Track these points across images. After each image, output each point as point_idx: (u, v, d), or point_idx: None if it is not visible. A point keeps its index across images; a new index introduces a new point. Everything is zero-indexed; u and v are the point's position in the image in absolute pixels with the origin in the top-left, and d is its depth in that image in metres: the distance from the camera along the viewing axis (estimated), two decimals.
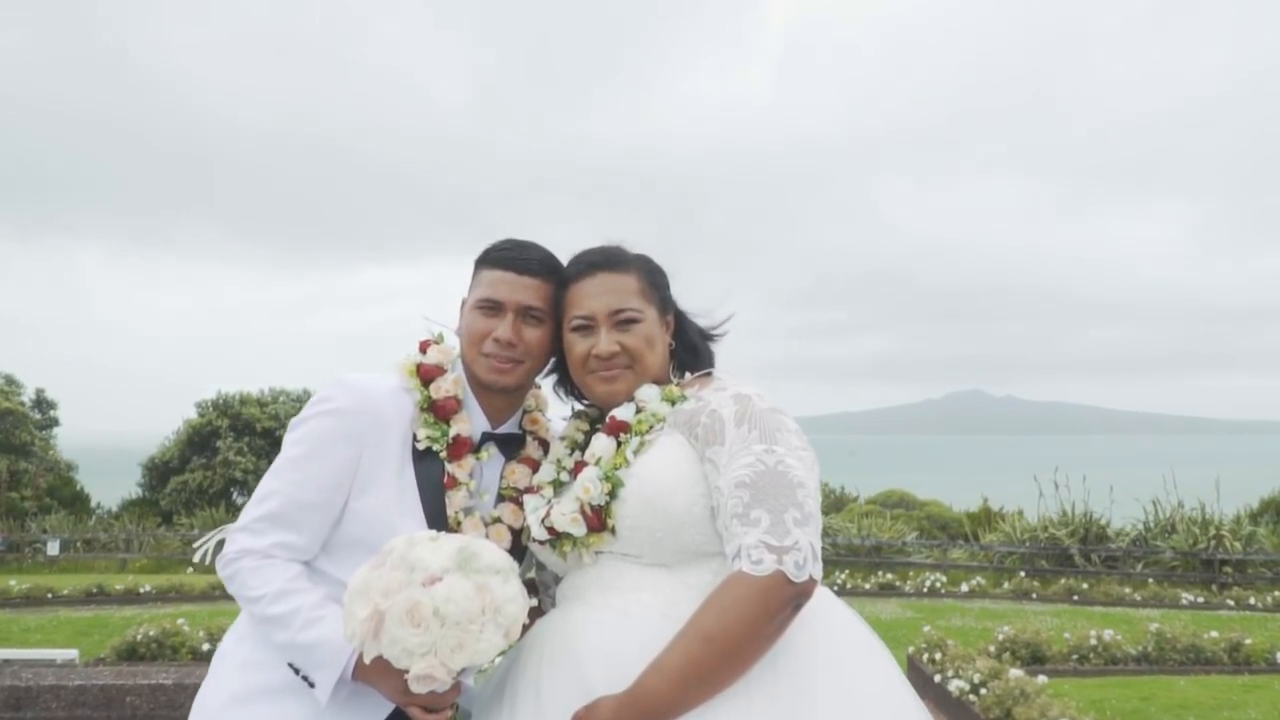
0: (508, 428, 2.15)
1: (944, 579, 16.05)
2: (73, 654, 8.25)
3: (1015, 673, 6.83)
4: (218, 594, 13.59)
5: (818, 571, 1.72)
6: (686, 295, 2.15)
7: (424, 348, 2.12)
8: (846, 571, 16.87)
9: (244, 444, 28.16)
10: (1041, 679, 6.69)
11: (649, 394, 1.98)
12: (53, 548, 19.91)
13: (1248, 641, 9.27)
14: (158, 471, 28.70)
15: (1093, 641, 9.14)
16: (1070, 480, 18.53)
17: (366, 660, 1.74)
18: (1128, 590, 15.04)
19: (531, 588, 2.15)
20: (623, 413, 1.97)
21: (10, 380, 28.82)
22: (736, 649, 1.68)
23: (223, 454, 27.80)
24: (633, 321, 1.99)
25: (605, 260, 2.03)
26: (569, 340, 2.03)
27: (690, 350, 2.12)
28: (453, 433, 2.03)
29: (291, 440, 2.00)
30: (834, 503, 24.48)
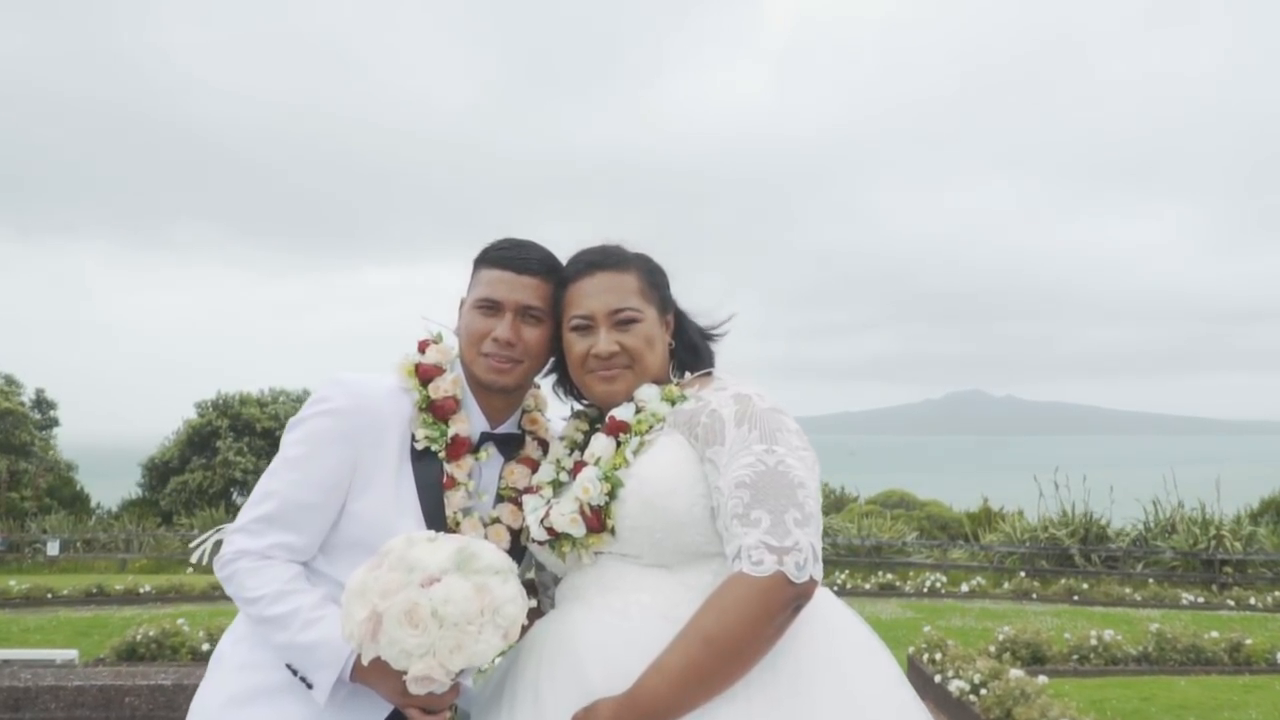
0: (507, 428, 2.14)
1: (944, 579, 16.05)
2: (72, 654, 8.24)
3: (1015, 673, 6.82)
4: (218, 594, 13.58)
5: (818, 572, 1.72)
6: (686, 295, 2.15)
7: (422, 347, 2.11)
8: (846, 572, 16.87)
9: (244, 444, 28.16)
10: (1042, 679, 6.69)
11: (649, 394, 1.97)
12: (52, 548, 19.90)
13: (1248, 642, 9.26)
14: (158, 472, 28.71)
15: (1093, 642, 9.14)
16: (1070, 480, 18.52)
17: (365, 661, 1.74)
18: (1128, 590, 15.03)
19: (531, 588, 2.14)
20: (622, 413, 1.96)
21: (10, 380, 28.82)
22: (736, 650, 1.67)
23: (223, 454, 27.80)
24: (632, 321, 1.98)
25: (605, 259, 2.02)
26: (568, 340, 2.02)
27: (690, 350, 2.11)
28: (451, 433, 2.03)
29: (289, 440, 1.99)
30: (834, 503, 24.47)
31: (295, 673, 1.88)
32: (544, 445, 2.17)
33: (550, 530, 1.92)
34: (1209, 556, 16.40)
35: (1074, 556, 17.31)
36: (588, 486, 1.89)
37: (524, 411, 2.19)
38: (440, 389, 2.03)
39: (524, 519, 2.02)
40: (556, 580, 2.06)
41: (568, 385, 2.17)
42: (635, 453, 1.90)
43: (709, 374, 2.05)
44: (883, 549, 18.73)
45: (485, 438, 2.09)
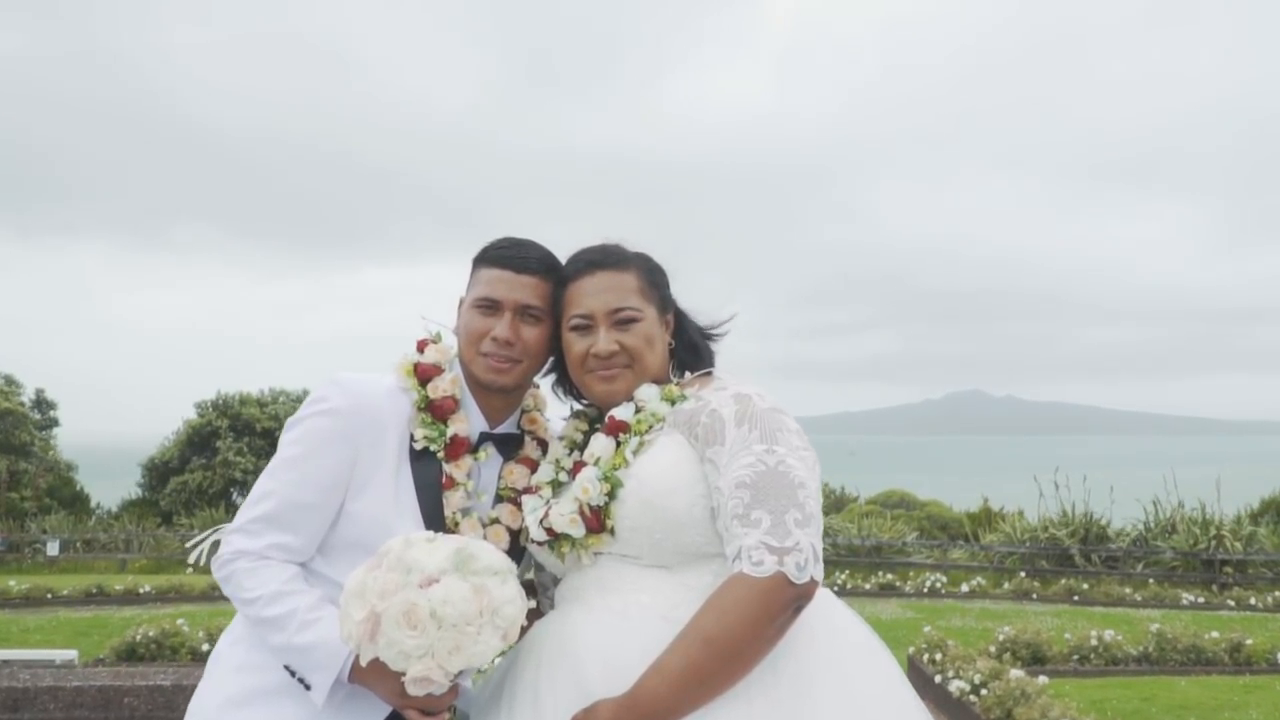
0: (506, 428, 2.13)
1: (944, 579, 16.05)
2: (72, 654, 8.24)
3: (1016, 673, 6.82)
4: (217, 594, 13.57)
5: (819, 573, 1.71)
6: (686, 295, 2.14)
7: (421, 347, 2.10)
8: (847, 572, 16.86)
9: (244, 444, 28.16)
10: (1042, 679, 6.69)
11: (648, 393, 1.96)
12: (52, 548, 19.91)
13: (1249, 642, 9.26)
14: (157, 472, 28.71)
15: (1093, 642, 9.13)
16: (1070, 480, 18.52)
17: (363, 662, 1.73)
18: (1128, 590, 15.03)
19: (530, 589, 2.13)
20: (622, 412, 1.95)
21: (10, 380, 28.82)
22: (737, 651, 1.66)
23: (222, 454, 27.80)
24: (632, 320, 1.97)
25: (604, 258, 2.01)
26: (567, 339, 2.01)
27: (690, 349, 2.10)
28: (450, 433, 2.01)
29: (287, 440, 1.98)
30: (834, 503, 24.47)
31: (293, 674, 1.87)
32: (543, 445, 2.16)
33: (549, 531, 1.91)
34: (1209, 556, 16.39)
35: (1074, 556, 17.31)
36: (587, 487, 1.88)
37: (523, 411, 2.17)
38: (439, 389, 2.02)
39: (523, 519, 2.01)
40: (556, 581, 2.05)
41: (567, 385, 2.16)
42: (635, 453, 1.89)
43: (709, 374, 2.04)
44: (883, 549, 18.73)
45: (484, 438, 2.08)
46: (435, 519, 1.98)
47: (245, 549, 1.92)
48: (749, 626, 1.65)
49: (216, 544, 2.02)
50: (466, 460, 2.03)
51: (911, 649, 8.52)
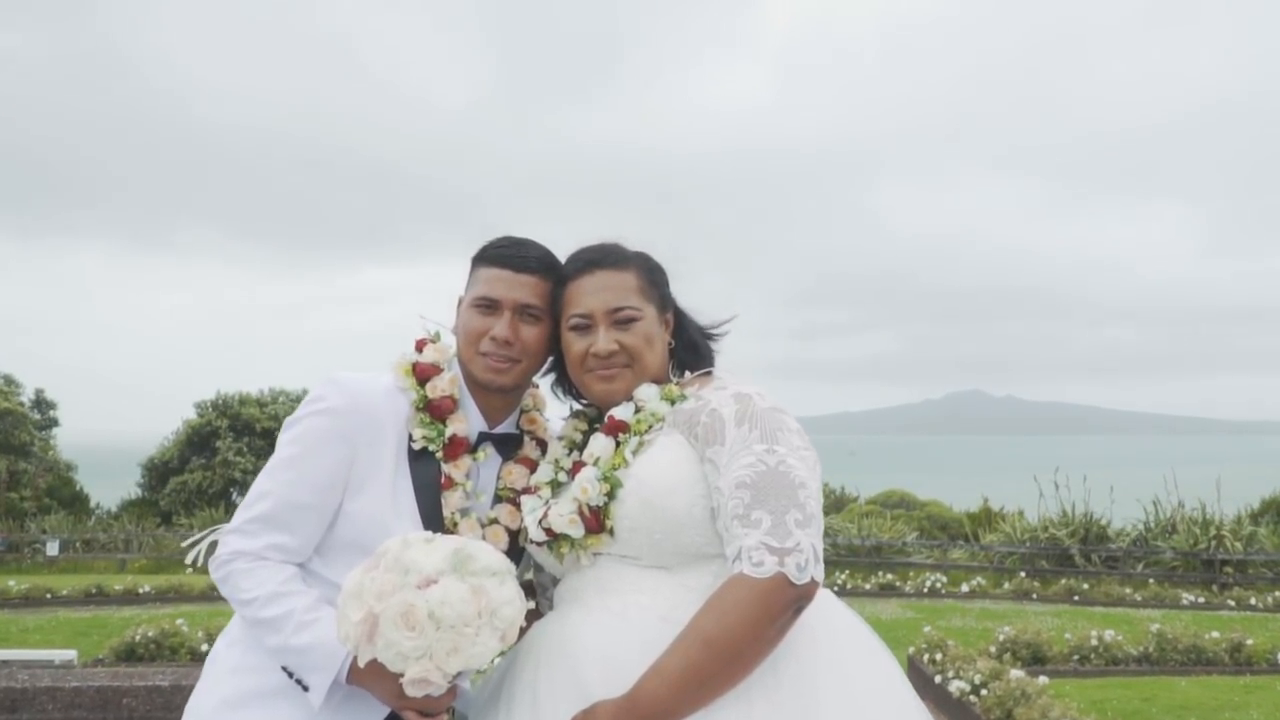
0: (505, 428, 2.12)
1: (944, 579, 16.04)
2: (71, 654, 8.23)
3: (1016, 673, 6.81)
4: (217, 595, 13.54)
5: (819, 574, 1.70)
6: (686, 295, 2.13)
7: (420, 346, 2.09)
8: (847, 572, 16.86)
9: (243, 444, 28.16)
10: (1042, 680, 6.68)
11: (648, 393, 1.95)
12: (52, 548, 19.91)
13: (1249, 642, 9.25)
14: (157, 472, 28.71)
15: (1094, 642, 9.13)
16: (1070, 480, 18.51)
17: (360, 664, 1.72)
18: (1128, 591, 15.02)
19: (529, 590, 2.12)
20: (621, 412, 1.94)
21: (10, 380, 28.82)
22: (737, 652, 1.65)
23: (222, 454, 27.80)
24: (632, 320, 1.96)
25: (604, 257, 1.99)
26: (567, 339, 2.00)
27: (690, 349, 2.09)
28: (449, 433, 2.00)
29: (285, 440, 1.97)
30: (834, 503, 24.46)
31: (290, 675, 1.86)
32: (542, 445, 2.14)
33: (548, 531, 1.90)
34: (1209, 557, 16.39)
35: (1074, 557, 17.30)
36: (586, 487, 1.87)
37: (522, 411, 2.16)
38: (437, 388, 2.01)
39: (522, 520, 2.00)
40: (555, 582, 2.04)
41: (566, 385, 2.14)
42: (634, 453, 1.88)
43: (709, 373, 2.03)
44: (883, 549, 18.72)
45: (483, 438, 2.07)
46: (433, 519, 1.96)
47: (242, 549, 1.91)
48: (749, 628, 1.64)
49: (214, 544, 2.01)
50: (465, 460, 2.02)
51: (911, 649, 8.52)
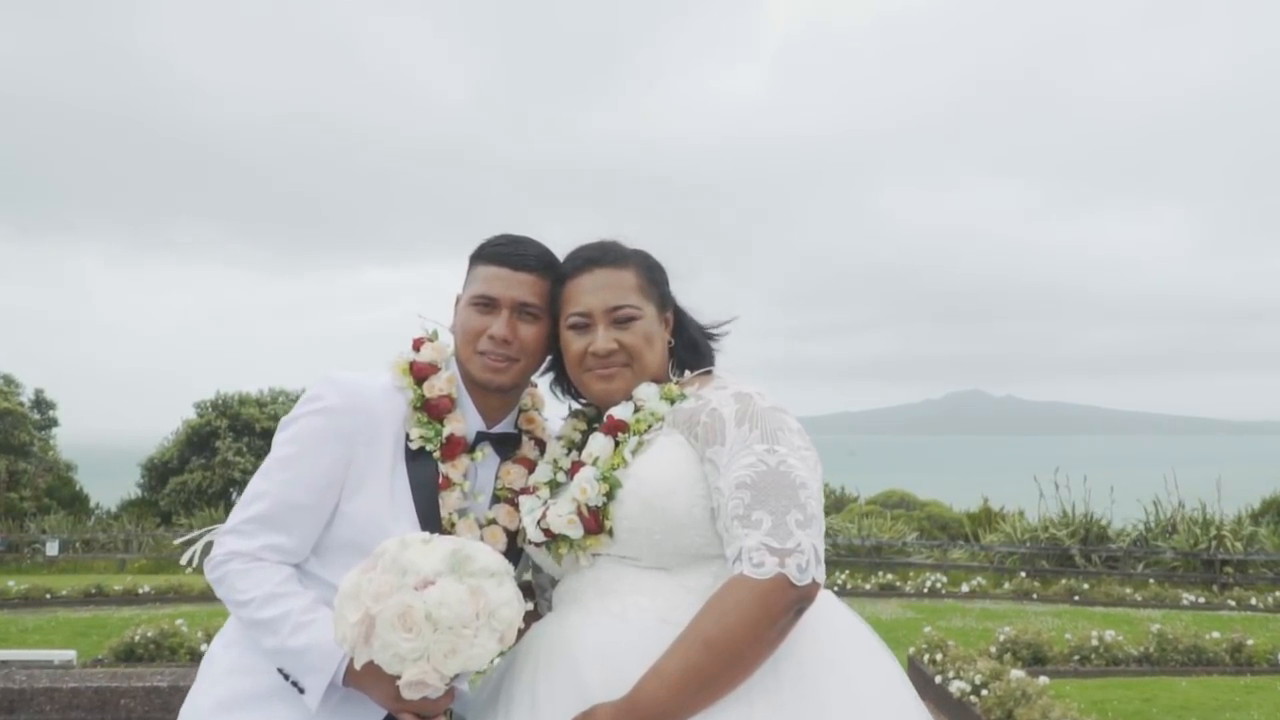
0: (503, 427, 2.10)
1: (944, 579, 16.04)
2: (70, 655, 8.23)
3: (1016, 674, 6.80)
4: (216, 595, 13.56)
5: (820, 575, 1.68)
6: (686, 294, 2.11)
7: (417, 345, 2.07)
8: (847, 572, 16.85)
9: (243, 444, 28.15)
10: (1043, 680, 6.67)
11: (647, 392, 1.94)
12: (51, 548, 19.90)
13: (1250, 642, 9.24)
14: (157, 472, 28.70)
15: (1094, 642, 9.12)
16: (1070, 480, 18.51)
17: (357, 666, 1.70)
18: (1129, 591, 15.02)
19: (528, 591, 2.11)
20: (620, 412, 1.93)
21: (9, 380, 28.82)
22: (737, 654, 1.64)
23: (222, 454, 27.79)
24: (631, 319, 1.94)
25: (602, 256, 1.98)
26: (565, 338, 1.98)
27: (690, 348, 2.07)
28: (446, 432, 1.99)
29: (281, 440, 1.95)
30: (834, 503, 24.45)
31: (287, 677, 1.84)
32: (541, 445, 2.13)
33: (547, 532, 1.89)
34: (1210, 557, 16.38)
35: (1074, 557, 17.29)
36: (585, 487, 1.85)
37: (521, 410, 2.15)
38: (435, 388, 2.00)
39: (520, 520, 1.99)
40: (554, 583, 2.02)
41: (565, 384, 2.13)
42: (634, 452, 1.87)
43: (709, 373, 2.02)
44: (883, 549, 18.71)
45: (481, 437, 2.05)
46: (431, 520, 1.95)
47: (239, 550, 1.89)
48: (749, 629, 1.63)
49: (209, 545, 2.00)
50: (463, 460, 2.00)
51: (912, 649, 8.51)
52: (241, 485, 27.42)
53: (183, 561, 2.19)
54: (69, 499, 25.89)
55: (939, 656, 7.80)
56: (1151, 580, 15.97)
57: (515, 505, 2.03)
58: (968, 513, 22.81)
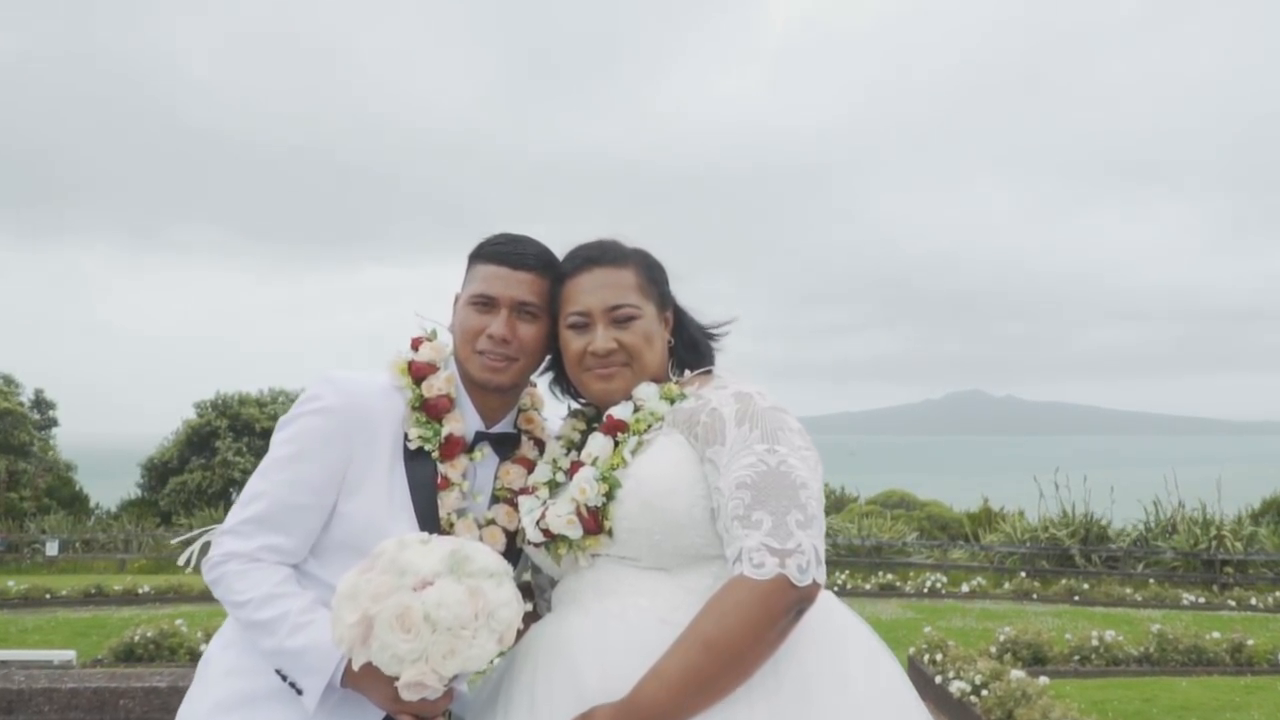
0: (502, 427, 2.09)
1: (944, 579, 16.03)
2: (70, 655, 8.22)
3: (1016, 674, 6.80)
4: None
5: (821, 575, 1.67)
6: (686, 295, 2.11)
7: (416, 345, 2.06)
8: (847, 572, 16.85)
9: (243, 444, 28.15)
10: (1043, 680, 6.67)
11: (647, 392, 1.93)
12: (51, 548, 19.89)
13: (1250, 642, 9.24)
14: (157, 472, 28.70)
15: (1094, 642, 9.11)
16: (1070, 480, 18.51)
17: (355, 667, 1.69)
18: (1129, 591, 15.01)
19: (527, 591, 2.10)
20: (620, 411, 1.92)
21: (9, 380, 28.82)
22: (737, 655, 1.63)
23: (222, 454, 27.79)
24: (630, 318, 1.93)
25: (602, 255, 1.97)
26: (565, 337, 1.98)
27: (690, 347, 2.06)
28: (445, 432, 1.98)
29: (279, 440, 1.94)
30: (834, 503, 24.45)
31: (284, 678, 1.83)
32: (540, 445, 2.12)
33: (546, 532, 1.88)
34: (1210, 557, 16.37)
35: (1074, 557, 17.28)
36: (585, 487, 1.84)
37: (520, 410, 2.14)
38: (434, 387, 1.99)
39: (519, 520, 1.98)
40: (553, 583, 2.02)
41: (565, 383, 2.12)
42: (633, 452, 1.86)
43: (709, 372, 2.01)
44: (883, 549, 18.70)
45: (480, 437, 2.04)
46: (430, 520, 1.94)
47: (236, 551, 1.88)
48: (750, 630, 1.62)
49: (207, 545, 1.99)
50: (462, 460, 1.99)
51: (912, 649, 8.50)
52: (241, 485, 27.38)
53: (180, 562, 2.18)
54: (69, 499, 25.89)
55: (939, 657, 7.80)
56: (1152, 580, 15.97)
57: (514, 505, 2.02)
58: (968, 513, 22.81)
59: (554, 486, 1.99)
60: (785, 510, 1.68)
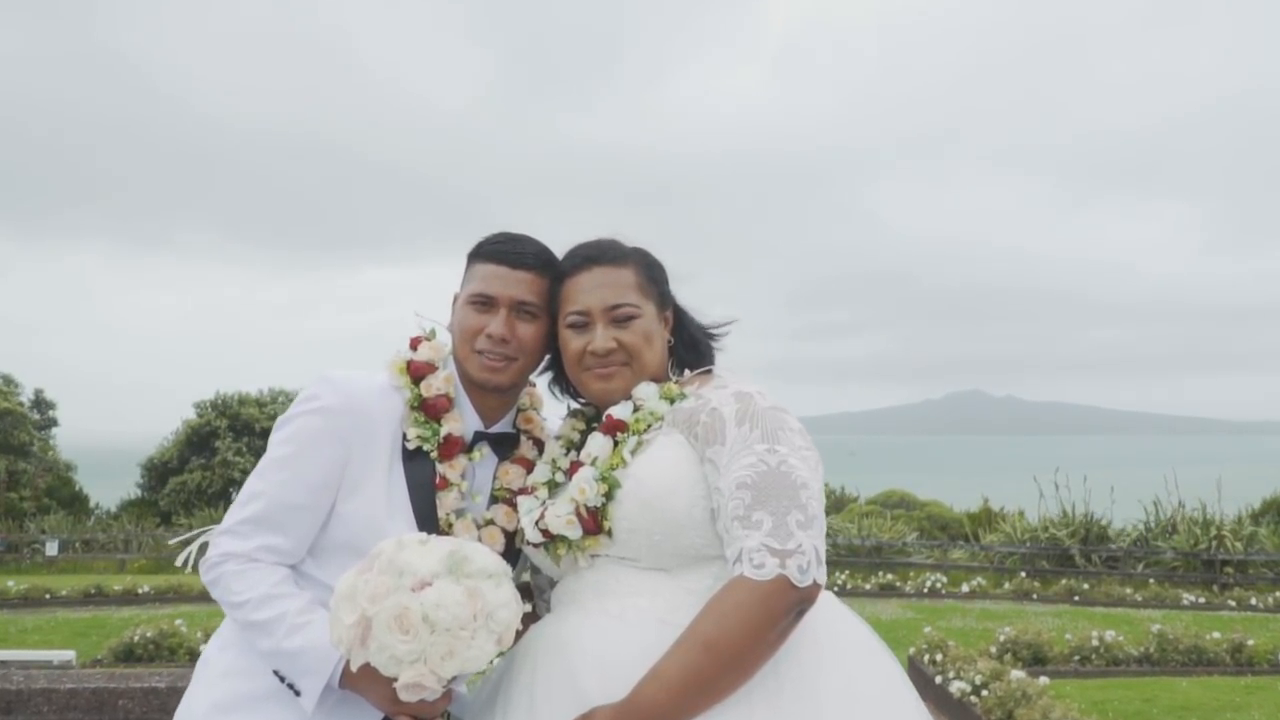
0: (501, 427, 2.08)
1: (944, 579, 16.03)
2: (69, 655, 8.22)
3: (1017, 674, 6.79)
4: None
5: (821, 576, 1.67)
6: (686, 295, 2.10)
7: (415, 344, 2.06)
8: (847, 572, 16.85)
9: (243, 444, 28.15)
10: (1043, 680, 6.66)
11: (647, 392, 1.92)
12: (51, 548, 19.89)
13: (1250, 642, 9.24)
14: (157, 472, 28.70)
15: (1094, 642, 9.11)
16: (1070, 480, 18.51)
17: (354, 668, 1.69)
18: (1129, 591, 15.01)
19: (526, 592, 2.09)
20: (620, 411, 1.91)
21: (9, 380, 28.82)
22: (737, 656, 1.62)
23: (221, 454, 27.79)
24: (630, 317, 1.93)
25: (601, 254, 1.96)
26: (564, 336, 1.97)
27: (690, 347, 2.05)
28: (444, 432, 1.97)
29: (278, 440, 1.93)
30: (834, 503, 24.45)
31: (282, 679, 1.83)
32: (539, 445, 2.11)
33: (545, 532, 1.87)
34: (1210, 557, 16.37)
35: (1075, 557, 17.28)
36: (584, 487, 1.84)
37: (519, 410, 2.13)
38: (432, 387, 1.98)
39: (519, 521, 1.97)
40: (552, 584, 2.01)
41: (564, 383, 2.11)
42: (633, 452, 1.85)
43: (709, 372, 2.00)
44: (883, 549, 18.70)
45: (479, 437, 2.04)
46: (428, 520, 1.93)
47: (234, 551, 1.87)
48: (750, 631, 1.61)
49: (205, 546, 1.98)
50: (460, 460, 1.99)
51: (912, 650, 8.50)
52: (241, 485, 27.39)
53: (179, 562, 2.17)
54: (69, 499, 25.89)
55: (939, 657, 7.79)
56: (1152, 580, 15.96)
57: (513, 506, 2.01)
58: (968, 513, 22.81)
59: (553, 487, 1.98)
60: (786, 510, 1.67)
